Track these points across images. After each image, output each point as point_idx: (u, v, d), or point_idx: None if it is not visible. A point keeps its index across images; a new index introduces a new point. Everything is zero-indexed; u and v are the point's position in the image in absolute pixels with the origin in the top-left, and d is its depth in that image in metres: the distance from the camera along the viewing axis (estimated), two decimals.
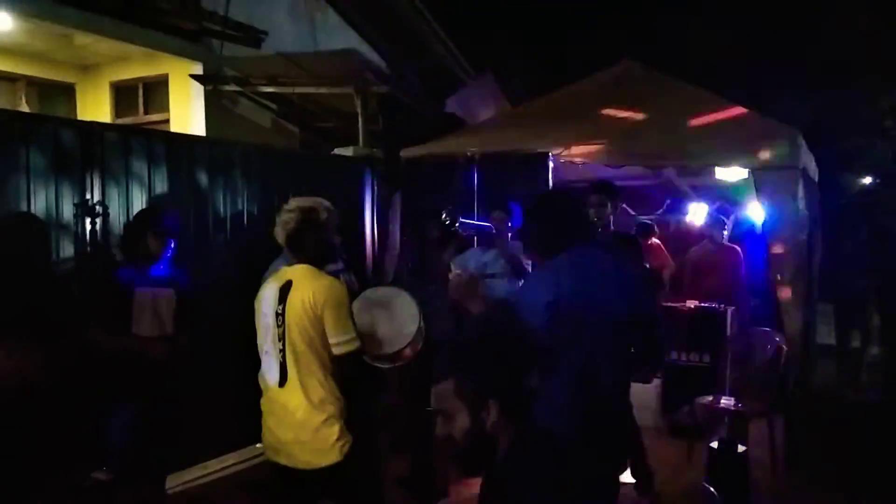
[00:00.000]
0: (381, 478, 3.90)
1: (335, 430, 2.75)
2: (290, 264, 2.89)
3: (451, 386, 1.69)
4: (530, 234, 2.78)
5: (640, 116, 5.15)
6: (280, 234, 2.82)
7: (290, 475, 2.81)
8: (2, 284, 3.13)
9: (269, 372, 2.81)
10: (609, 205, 4.47)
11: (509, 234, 4.92)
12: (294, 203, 2.85)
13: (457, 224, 4.85)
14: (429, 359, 3.31)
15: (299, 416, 2.75)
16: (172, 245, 3.65)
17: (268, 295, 2.83)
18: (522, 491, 1.57)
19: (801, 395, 4.66)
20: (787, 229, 4.48)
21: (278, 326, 2.75)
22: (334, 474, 2.76)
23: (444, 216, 4.65)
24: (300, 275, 2.78)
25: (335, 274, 3.32)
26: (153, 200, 4.05)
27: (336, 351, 2.72)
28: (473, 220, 6.19)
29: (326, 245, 2.87)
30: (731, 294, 6.33)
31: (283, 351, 2.74)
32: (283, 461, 2.83)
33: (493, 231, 4.96)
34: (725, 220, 7.04)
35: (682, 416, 5.10)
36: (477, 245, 5.00)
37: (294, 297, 2.73)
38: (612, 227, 4.71)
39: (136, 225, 3.68)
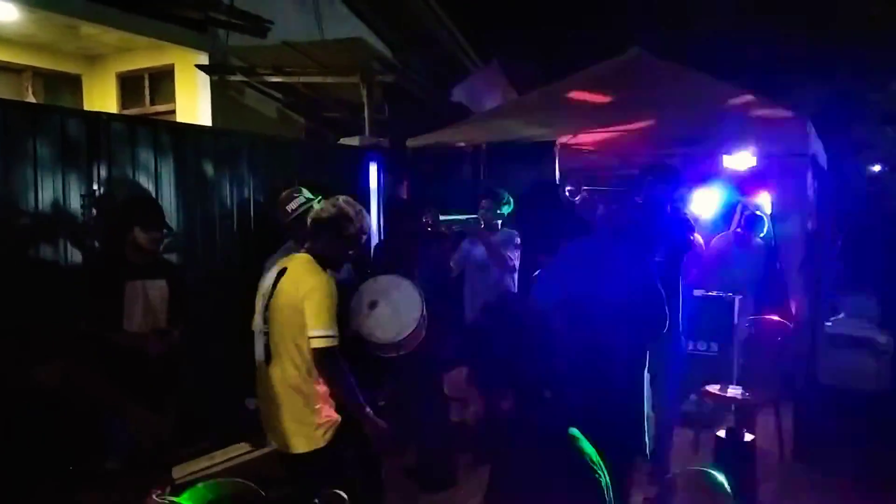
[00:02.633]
0: (381, 468, 3.88)
1: (318, 415, 2.74)
2: (288, 254, 2.89)
3: (464, 374, 1.70)
4: (534, 226, 2.79)
5: (646, 104, 5.12)
6: (307, 216, 2.82)
7: (285, 459, 2.82)
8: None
9: (258, 349, 2.84)
10: (667, 187, 4.03)
11: (498, 223, 4.83)
12: (342, 200, 2.82)
13: (436, 224, 4.71)
14: (435, 346, 3.29)
15: (283, 397, 2.77)
16: (162, 237, 3.53)
17: (267, 278, 2.87)
18: (535, 475, 1.58)
19: (808, 384, 4.65)
20: (796, 217, 4.45)
21: (266, 309, 2.79)
22: (320, 461, 2.73)
23: (424, 219, 4.55)
24: (296, 263, 2.80)
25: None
26: (138, 192, 3.94)
27: (312, 344, 2.67)
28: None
29: (337, 254, 2.84)
30: (759, 285, 6.22)
31: (267, 333, 2.78)
32: (276, 443, 2.85)
33: (478, 221, 4.84)
34: (764, 220, 6.72)
35: (690, 404, 5.09)
36: (467, 238, 4.88)
37: (284, 284, 2.76)
38: (669, 211, 4.17)
39: (122, 218, 3.46)
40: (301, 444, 2.77)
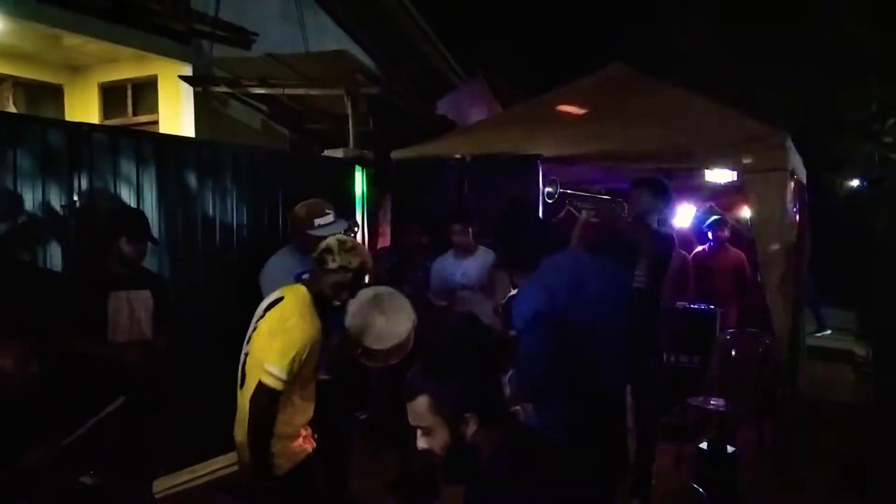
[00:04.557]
0: (349, 488, 3.86)
1: (276, 447, 2.65)
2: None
3: (427, 401, 1.67)
4: (509, 245, 2.81)
5: (629, 119, 5.16)
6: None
7: (245, 483, 2.72)
8: None
9: (239, 372, 2.78)
10: (655, 201, 4.10)
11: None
12: (336, 237, 2.78)
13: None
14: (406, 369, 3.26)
15: (247, 423, 2.67)
16: (147, 248, 3.49)
17: (265, 299, 2.82)
18: (511, 497, 1.57)
19: (789, 397, 4.68)
20: (776, 231, 4.50)
21: (252, 331, 2.74)
22: (270, 490, 2.63)
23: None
24: (296, 297, 2.71)
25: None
26: (123, 202, 3.93)
27: (262, 377, 2.56)
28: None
29: (322, 291, 2.73)
30: (737, 296, 6.30)
31: (247, 354, 2.73)
32: (240, 466, 2.77)
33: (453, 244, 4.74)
34: (729, 219, 6.81)
35: (672, 417, 5.11)
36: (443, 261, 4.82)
37: (274, 312, 2.71)
38: (656, 225, 4.21)
39: (108, 229, 3.44)
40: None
